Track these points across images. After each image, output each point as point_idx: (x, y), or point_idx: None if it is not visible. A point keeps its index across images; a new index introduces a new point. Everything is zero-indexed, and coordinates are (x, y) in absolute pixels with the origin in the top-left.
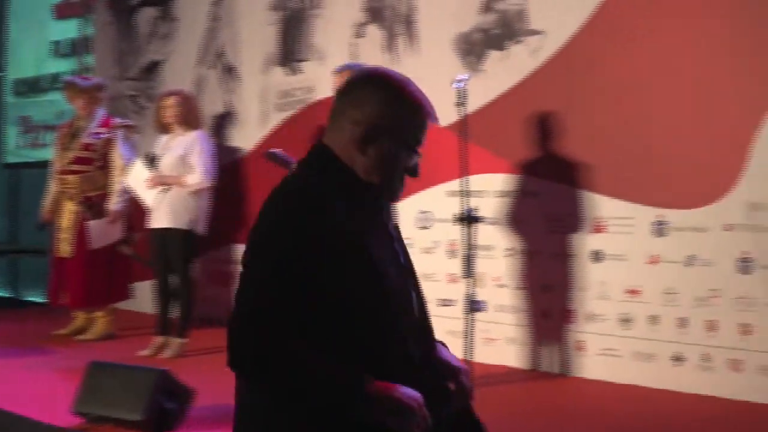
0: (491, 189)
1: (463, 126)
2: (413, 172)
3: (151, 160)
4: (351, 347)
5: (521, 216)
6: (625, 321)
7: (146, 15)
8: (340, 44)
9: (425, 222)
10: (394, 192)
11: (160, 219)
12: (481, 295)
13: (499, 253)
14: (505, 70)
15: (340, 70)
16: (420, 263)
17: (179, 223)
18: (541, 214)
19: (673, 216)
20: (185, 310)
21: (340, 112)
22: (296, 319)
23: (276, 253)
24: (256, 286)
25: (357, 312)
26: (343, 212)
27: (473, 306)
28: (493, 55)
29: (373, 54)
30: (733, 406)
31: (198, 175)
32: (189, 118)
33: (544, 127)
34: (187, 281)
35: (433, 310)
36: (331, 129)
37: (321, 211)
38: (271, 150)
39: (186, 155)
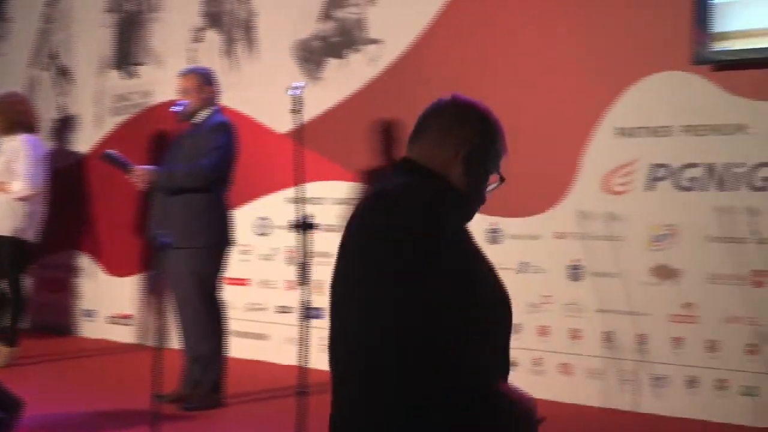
0: (330, 196)
1: (299, 133)
2: (486, 195)
3: None
4: (485, 356)
5: None
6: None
7: None
8: (177, 49)
9: (264, 229)
10: (478, 209)
11: None
12: (319, 302)
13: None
14: (344, 78)
15: (185, 73)
16: (259, 270)
17: (5, 230)
18: None
19: (507, 224)
20: (15, 318)
21: (445, 130)
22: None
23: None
24: None
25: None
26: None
27: (309, 313)
28: (332, 62)
29: (211, 59)
30: (563, 409)
31: (21, 182)
32: (13, 123)
33: (383, 135)
34: (17, 289)
35: (272, 317)
36: (427, 145)
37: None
38: (108, 151)
39: (10, 161)
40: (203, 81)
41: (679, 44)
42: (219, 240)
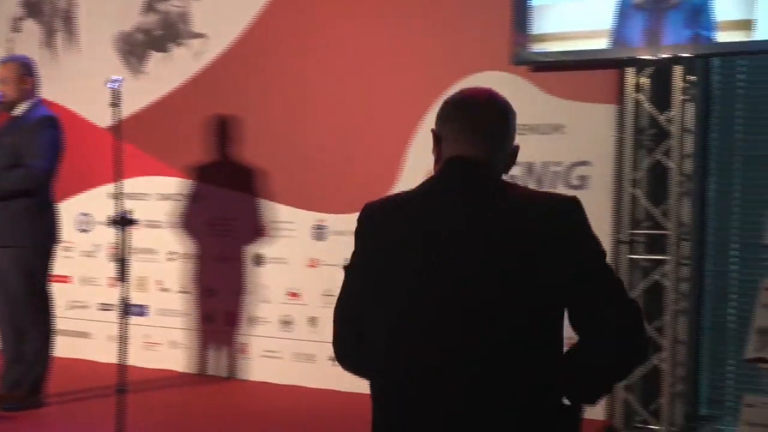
0: (154, 192)
1: (118, 128)
2: None
3: None
4: None
5: (185, 219)
6: (286, 323)
7: None
8: None
9: (85, 225)
10: None
11: None
12: (144, 299)
13: (162, 256)
14: (168, 72)
15: (4, 62)
16: (80, 267)
17: None
18: (205, 217)
19: (332, 220)
20: None
21: (502, 134)
22: None
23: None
24: (623, 285)
25: None
26: None
27: (128, 310)
28: (156, 56)
29: (30, 49)
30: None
31: None
32: None
33: (206, 131)
34: None
35: (94, 315)
36: (492, 148)
37: None
38: None
39: None
40: (23, 71)
41: (499, 45)
42: (46, 238)
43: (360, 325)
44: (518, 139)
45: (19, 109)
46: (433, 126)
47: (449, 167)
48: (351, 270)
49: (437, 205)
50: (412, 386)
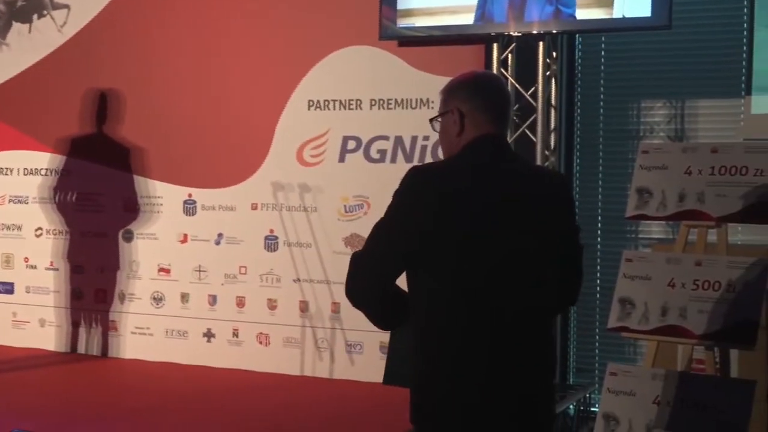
0: (20, 166)
1: None
2: None
3: None
4: None
5: (51, 195)
6: (158, 300)
7: None
8: None
9: None
10: None
11: None
12: (11, 276)
13: (28, 233)
14: (32, 44)
15: None
16: None
17: None
18: (72, 192)
19: (202, 195)
20: None
21: (508, 114)
22: None
23: None
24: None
25: None
26: None
27: None
28: (18, 27)
29: None
30: (261, 378)
31: None
32: None
33: (73, 104)
34: None
35: None
36: (507, 127)
37: None
38: None
39: None
40: None
41: (367, 20)
42: None
43: (388, 277)
44: (386, 114)
45: None
46: (444, 103)
47: (487, 143)
48: (386, 226)
49: (486, 175)
50: (487, 323)
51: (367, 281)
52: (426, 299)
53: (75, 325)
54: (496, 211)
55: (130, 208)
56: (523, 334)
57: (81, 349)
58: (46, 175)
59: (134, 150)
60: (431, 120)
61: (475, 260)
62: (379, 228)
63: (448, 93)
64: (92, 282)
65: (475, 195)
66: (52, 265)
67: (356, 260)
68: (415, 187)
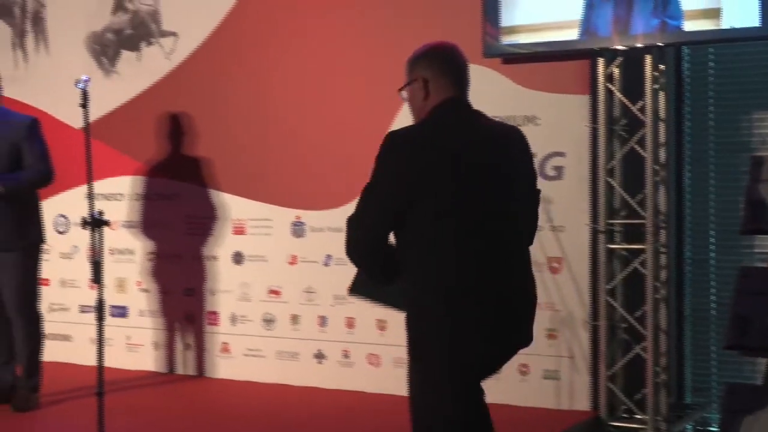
0: (129, 192)
1: (88, 128)
2: None
3: None
4: None
5: (161, 219)
6: (268, 321)
7: None
8: None
9: (62, 226)
10: None
11: None
12: (124, 300)
13: (140, 257)
14: (140, 72)
15: None
16: (60, 269)
17: None
18: (181, 216)
19: (311, 217)
20: None
21: (467, 77)
22: None
23: None
24: None
25: None
26: None
27: (105, 312)
28: (127, 55)
29: (1, 51)
30: (372, 399)
31: None
32: None
33: (181, 129)
34: None
35: (76, 317)
36: (465, 88)
37: None
38: None
39: None
40: None
41: (470, 38)
42: (39, 238)
43: (384, 234)
44: None
45: None
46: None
47: (452, 105)
48: (377, 188)
49: (461, 132)
50: (491, 260)
51: (364, 237)
52: (421, 241)
53: (188, 347)
54: (472, 157)
55: (238, 231)
56: (512, 255)
57: (192, 371)
58: (156, 199)
59: (243, 173)
60: (399, 90)
61: (461, 201)
62: (369, 190)
63: (412, 64)
64: (202, 305)
65: (450, 146)
66: (163, 288)
67: (351, 222)
68: (396, 147)
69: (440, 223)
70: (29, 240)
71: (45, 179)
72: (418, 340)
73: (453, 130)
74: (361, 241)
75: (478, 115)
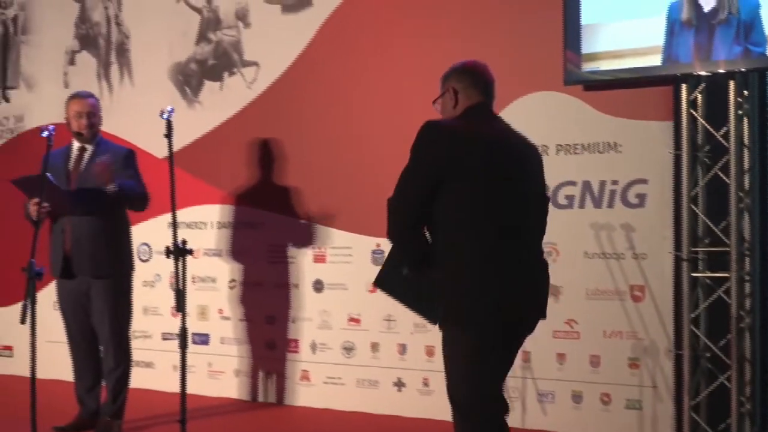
0: (212, 220)
1: (171, 157)
2: None
3: None
4: None
5: (243, 247)
6: (348, 349)
7: None
8: (51, 72)
9: (145, 254)
10: None
11: None
12: (205, 327)
13: (222, 284)
14: (223, 101)
15: (88, 96)
16: (143, 297)
17: None
18: (263, 244)
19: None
20: None
21: (493, 89)
22: None
23: None
24: None
25: None
26: None
27: (187, 339)
28: (210, 85)
29: (86, 82)
30: (449, 427)
31: None
32: None
33: (262, 158)
34: None
35: (158, 344)
36: (491, 98)
37: None
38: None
39: None
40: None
41: (551, 65)
42: (130, 266)
43: (421, 212)
44: (573, 159)
45: (94, 141)
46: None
47: (481, 107)
48: (414, 171)
49: (488, 127)
50: (511, 238)
51: (403, 216)
52: (454, 223)
53: (268, 375)
54: (497, 148)
55: (319, 259)
56: (529, 235)
57: (273, 398)
58: (237, 227)
59: (322, 201)
60: (433, 102)
61: (486, 184)
62: (406, 173)
63: (445, 78)
64: (284, 332)
65: (479, 136)
66: (245, 316)
67: (391, 202)
68: (432, 134)
69: (467, 203)
70: (122, 267)
71: (145, 200)
72: (450, 304)
73: (481, 125)
74: (399, 219)
75: (501, 120)
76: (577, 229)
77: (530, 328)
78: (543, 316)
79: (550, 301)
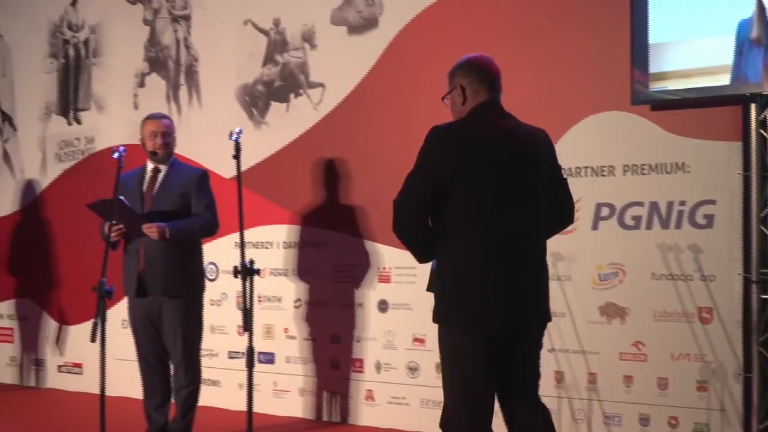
0: (278, 240)
1: (239, 177)
2: None
3: None
4: None
5: (308, 267)
6: (413, 369)
7: None
8: (121, 94)
9: (211, 274)
10: None
11: None
12: (270, 346)
13: (287, 304)
14: (289, 122)
15: (162, 117)
16: (209, 316)
17: None
18: (328, 264)
19: None
20: None
21: (499, 83)
22: None
23: None
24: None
25: None
26: None
27: (254, 358)
28: (276, 107)
29: (155, 103)
30: None
31: None
32: None
33: (328, 178)
34: None
35: (225, 363)
36: (498, 93)
37: None
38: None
39: None
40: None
41: (618, 85)
42: (202, 285)
43: (424, 212)
44: (640, 179)
45: (168, 162)
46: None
47: (487, 106)
48: (419, 174)
49: (493, 128)
50: (510, 236)
51: (408, 216)
52: (455, 225)
53: (333, 394)
54: (503, 149)
55: (383, 279)
56: (528, 236)
57: (337, 417)
58: (303, 247)
59: (387, 221)
60: (442, 98)
61: (490, 185)
62: (412, 176)
63: (451, 75)
64: (349, 351)
65: (484, 138)
66: (310, 335)
67: (397, 204)
68: (439, 140)
69: (470, 203)
70: (194, 287)
71: (211, 228)
72: (443, 301)
73: (488, 125)
74: (405, 219)
75: (509, 116)
76: (644, 250)
77: (529, 342)
78: (543, 324)
79: (617, 323)
